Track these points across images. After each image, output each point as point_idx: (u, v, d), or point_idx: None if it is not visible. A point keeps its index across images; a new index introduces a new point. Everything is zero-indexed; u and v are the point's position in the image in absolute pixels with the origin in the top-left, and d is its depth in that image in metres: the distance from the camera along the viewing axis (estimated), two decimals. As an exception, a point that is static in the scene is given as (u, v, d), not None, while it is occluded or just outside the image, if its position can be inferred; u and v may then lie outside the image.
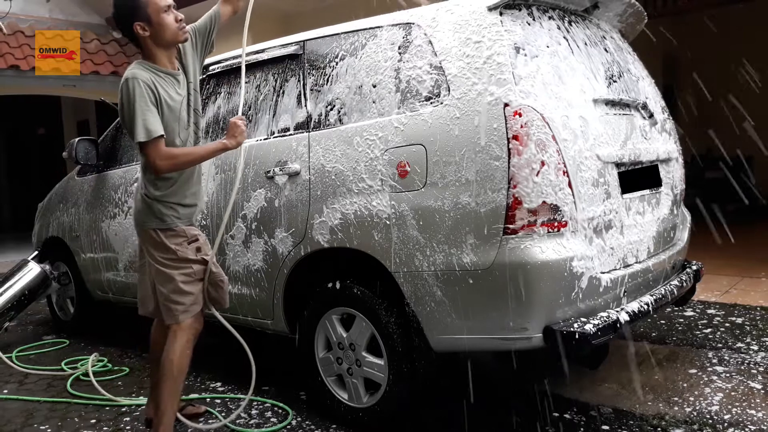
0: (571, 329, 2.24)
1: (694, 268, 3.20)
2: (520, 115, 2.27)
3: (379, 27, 2.76)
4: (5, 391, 3.52)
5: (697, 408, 2.85)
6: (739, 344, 3.68)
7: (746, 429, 2.63)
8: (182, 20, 2.53)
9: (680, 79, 10.61)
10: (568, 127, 2.40)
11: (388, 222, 2.53)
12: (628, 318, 2.41)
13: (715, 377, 3.20)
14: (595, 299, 2.39)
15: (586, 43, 2.76)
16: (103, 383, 3.43)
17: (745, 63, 9.84)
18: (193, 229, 2.66)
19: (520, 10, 2.53)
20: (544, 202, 2.27)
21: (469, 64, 2.40)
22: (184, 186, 2.62)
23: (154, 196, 2.56)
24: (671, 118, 3.27)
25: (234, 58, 3.41)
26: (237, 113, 3.25)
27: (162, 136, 2.42)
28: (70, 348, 4.29)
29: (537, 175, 2.25)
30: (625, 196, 2.65)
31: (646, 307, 2.54)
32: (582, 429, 2.72)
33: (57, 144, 10.81)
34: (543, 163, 2.27)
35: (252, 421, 2.95)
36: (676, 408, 2.86)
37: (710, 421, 2.72)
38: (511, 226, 2.26)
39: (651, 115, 2.95)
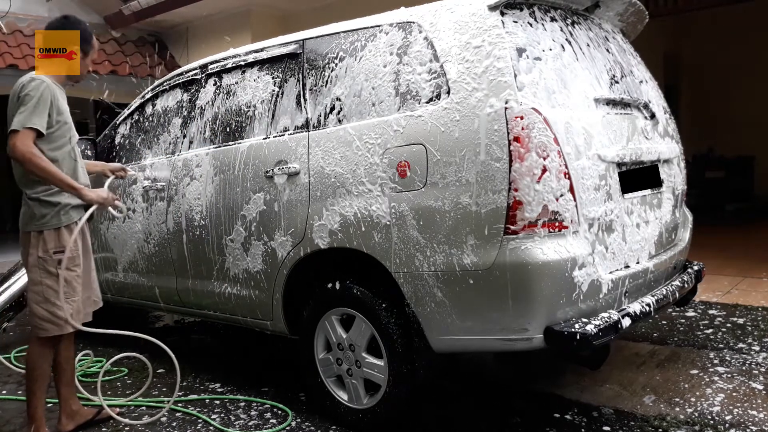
0: (573, 330, 2.23)
1: (696, 268, 3.19)
2: (521, 117, 2.25)
3: (378, 26, 2.74)
4: (4, 392, 3.51)
5: (699, 409, 2.84)
6: (741, 345, 3.67)
7: (748, 430, 2.62)
8: (88, 73, 3.02)
9: (681, 78, 10.60)
10: (570, 128, 2.38)
11: (388, 222, 2.51)
12: (629, 319, 2.40)
13: (716, 378, 3.19)
14: (596, 300, 2.38)
15: (588, 45, 2.74)
16: (102, 384, 3.40)
17: (746, 63, 9.85)
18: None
19: (521, 10, 2.52)
20: (545, 206, 2.25)
21: (468, 69, 2.38)
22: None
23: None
24: (673, 118, 3.26)
25: (233, 57, 3.39)
26: (236, 113, 3.25)
27: (35, 130, 2.57)
28: (69, 348, 4.27)
29: (538, 181, 2.23)
30: (627, 196, 2.64)
31: (647, 307, 2.53)
32: (583, 430, 2.70)
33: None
34: (545, 169, 2.25)
35: (251, 422, 2.94)
36: (678, 409, 2.85)
37: (711, 421, 2.70)
38: (512, 226, 2.25)
39: (653, 116, 2.94)
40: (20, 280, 4.29)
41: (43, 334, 2.68)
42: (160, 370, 3.55)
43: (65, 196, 2.71)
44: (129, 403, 3.23)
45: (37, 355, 2.72)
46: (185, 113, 3.59)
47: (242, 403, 3.17)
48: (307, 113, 2.89)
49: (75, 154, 2.83)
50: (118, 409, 3.07)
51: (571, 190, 2.32)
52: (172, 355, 2.88)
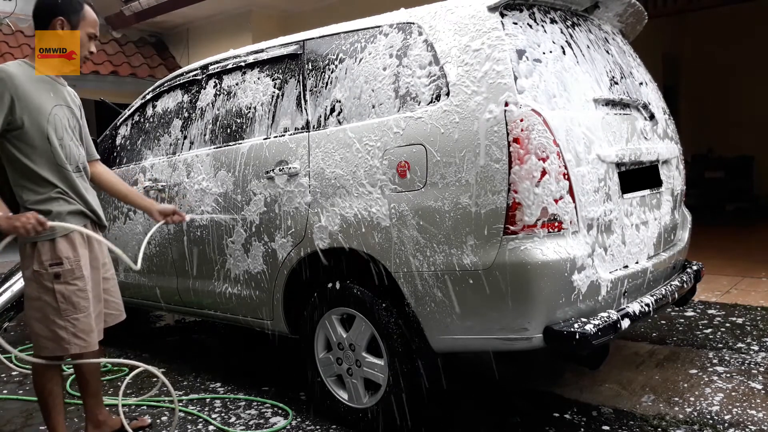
0: (572, 329, 2.24)
1: (695, 268, 3.20)
2: (521, 120, 2.26)
3: (378, 27, 2.75)
4: (5, 392, 3.52)
5: (698, 408, 2.85)
6: (740, 344, 3.68)
7: (747, 429, 2.63)
8: (92, 54, 2.59)
9: (681, 79, 10.61)
10: (570, 129, 2.39)
11: (388, 222, 2.52)
12: (628, 319, 2.41)
13: (715, 377, 3.20)
14: (595, 300, 2.39)
15: (588, 46, 2.75)
16: (103, 384, 3.41)
17: (745, 63, 9.86)
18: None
19: (521, 11, 2.52)
20: (544, 208, 2.26)
21: (468, 72, 2.38)
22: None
23: None
24: (672, 119, 3.27)
25: (234, 57, 3.40)
26: (237, 113, 3.26)
27: None
28: (70, 348, 4.28)
29: (538, 183, 2.24)
30: (626, 196, 2.65)
31: (646, 307, 2.54)
32: (582, 429, 2.71)
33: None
34: (544, 171, 2.25)
35: (252, 422, 2.95)
36: (677, 408, 2.86)
37: (711, 421, 2.71)
38: (511, 227, 2.26)
39: (652, 116, 2.95)
40: (21, 280, 4.30)
41: (46, 353, 2.44)
42: (162, 370, 3.55)
43: (59, 203, 2.45)
44: (135, 402, 3.24)
45: (41, 375, 2.50)
46: (186, 114, 3.60)
47: (243, 403, 3.18)
48: (307, 114, 2.90)
49: (65, 157, 2.49)
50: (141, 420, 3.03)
51: (571, 191, 2.33)
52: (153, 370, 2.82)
